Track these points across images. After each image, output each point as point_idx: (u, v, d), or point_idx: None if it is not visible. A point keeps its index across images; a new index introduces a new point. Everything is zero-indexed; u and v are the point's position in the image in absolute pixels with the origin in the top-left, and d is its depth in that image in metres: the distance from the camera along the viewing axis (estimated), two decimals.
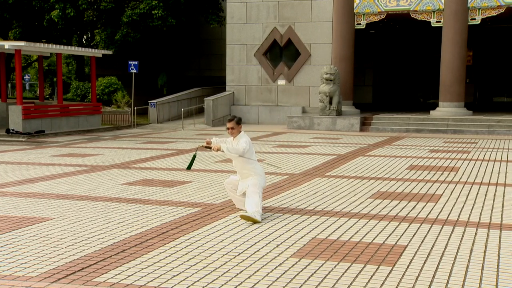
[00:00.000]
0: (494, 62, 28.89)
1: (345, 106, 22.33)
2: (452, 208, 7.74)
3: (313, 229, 6.59)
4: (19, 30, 30.08)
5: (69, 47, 23.53)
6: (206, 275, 4.97)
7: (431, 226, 6.72)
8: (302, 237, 6.24)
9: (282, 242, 6.02)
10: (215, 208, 7.71)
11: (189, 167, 7.54)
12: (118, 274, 5.00)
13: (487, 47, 28.56)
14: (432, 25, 21.79)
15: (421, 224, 6.82)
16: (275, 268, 5.16)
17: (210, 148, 7.22)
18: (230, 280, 4.85)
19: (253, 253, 5.62)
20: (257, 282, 4.79)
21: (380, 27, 25.62)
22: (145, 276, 4.95)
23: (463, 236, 6.32)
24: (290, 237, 6.24)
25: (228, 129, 7.30)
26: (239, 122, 7.30)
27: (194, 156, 7.57)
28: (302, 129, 21.39)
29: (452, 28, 21.06)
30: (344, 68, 22.35)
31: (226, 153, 7.08)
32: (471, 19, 21.22)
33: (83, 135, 20.17)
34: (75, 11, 26.19)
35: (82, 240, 6.07)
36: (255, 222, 6.81)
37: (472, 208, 7.76)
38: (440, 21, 21.49)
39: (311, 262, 5.35)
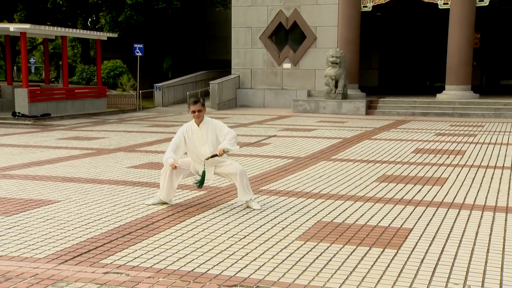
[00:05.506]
0: (501, 44, 28.63)
1: (351, 89, 22.23)
2: (457, 191, 7.73)
3: (318, 212, 6.61)
4: (24, 13, 29.98)
5: (74, 30, 23.49)
6: (212, 257, 5.00)
7: (436, 209, 6.73)
8: (307, 220, 6.25)
9: (287, 225, 6.04)
10: (220, 191, 7.73)
11: (200, 185, 6.69)
12: (125, 256, 5.04)
13: (495, 30, 28.28)
14: (439, 7, 21.57)
15: (426, 207, 6.82)
16: (280, 251, 5.18)
17: (216, 155, 6.49)
18: (235, 262, 4.87)
19: (259, 236, 5.64)
20: (262, 265, 4.81)
21: (386, 9, 25.39)
22: (151, 258, 4.98)
23: (468, 219, 6.32)
24: (295, 220, 6.25)
25: (195, 112, 6.42)
26: (204, 103, 6.60)
27: (204, 173, 6.62)
28: (308, 112, 21.34)
29: (459, 10, 20.85)
30: (350, 51, 22.19)
31: (232, 148, 6.47)
32: (479, 1, 20.98)
33: (89, 118, 20.19)
34: None
35: (89, 223, 6.10)
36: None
37: (478, 191, 7.75)
38: (447, 3, 21.28)
39: (316, 245, 5.37)
